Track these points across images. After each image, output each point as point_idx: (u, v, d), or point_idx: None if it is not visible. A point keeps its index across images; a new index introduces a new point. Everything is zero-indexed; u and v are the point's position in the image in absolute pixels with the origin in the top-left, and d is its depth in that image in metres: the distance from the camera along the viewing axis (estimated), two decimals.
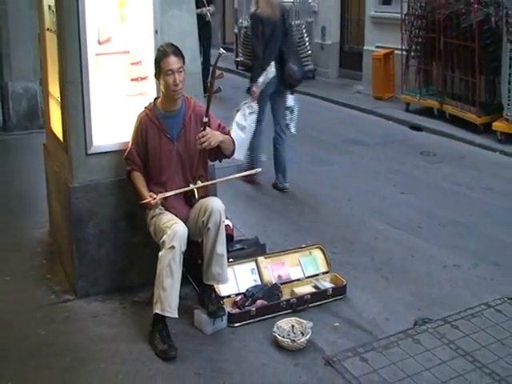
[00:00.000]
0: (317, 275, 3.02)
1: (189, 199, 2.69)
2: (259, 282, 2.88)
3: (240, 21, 9.42)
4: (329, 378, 2.34)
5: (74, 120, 2.77)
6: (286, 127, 4.38)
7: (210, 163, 2.92)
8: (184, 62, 2.63)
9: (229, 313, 2.68)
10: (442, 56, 6.06)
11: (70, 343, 2.54)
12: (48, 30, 3.10)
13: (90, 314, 2.76)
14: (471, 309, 2.79)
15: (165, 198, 2.65)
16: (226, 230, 2.70)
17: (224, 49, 2.99)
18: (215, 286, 2.69)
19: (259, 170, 2.83)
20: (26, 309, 2.81)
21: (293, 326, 2.58)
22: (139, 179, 2.71)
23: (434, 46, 6.12)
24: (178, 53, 2.61)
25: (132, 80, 2.82)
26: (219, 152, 2.77)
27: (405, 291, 3.00)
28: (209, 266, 2.61)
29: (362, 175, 4.85)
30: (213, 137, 2.66)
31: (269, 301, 2.78)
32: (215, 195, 2.87)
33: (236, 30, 9.67)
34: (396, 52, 6.99)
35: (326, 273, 3.04)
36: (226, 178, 2.95)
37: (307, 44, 8.57)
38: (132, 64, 2.81)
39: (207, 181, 2.78)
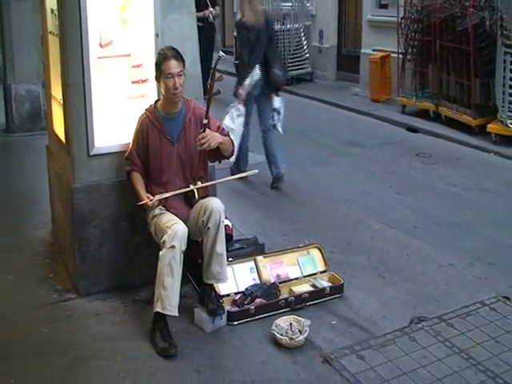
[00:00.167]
0: (315, 274, 3.04)
1: (189, 199, 2.72)
2: (258, 281, 2.90)
3: None
4: (326, 375, 2.36)
5: (76, 122, 2.80)
6: (274, 128, 4.53)
7: (210, 164, 2.95)
8: (184, 65, 2.66)
9: (228, 311, 2.70)
10: (437, 59, 6.09)
11: (71, 341, 2.56)
12: (51, 33, 3.13)
13: (92, 312, 2.78)
14: (466, 307, 2.81)
15: (165, 199, 2.67)
16: (226, 229, 2.72)
17: (223, 52, 3.03)
18: (215, 284, 2.71)
19: (256, 171, 2.87)
20: (28, 307, 2.83)
21: (291, 324, 2.60)
22: (138, 180, 2.74)
23: (430, 49, 6.16)
24: (178, 57, 2.64)
25: (133, 82, 2.85)
26: (219, 153, 2.80)
27: (401, 290, 3.02)
28: (209, 265, 2.64)
29: (359, 176, 4.89)
30: (212, 138, 2.69)
31: (267, 299, 2.80)
32: (215, 195, 2.89)
33: (235, 33, 9.69)
34: (392, 55, 7.02)
35: (324, 272, 3.06)
36: (225, 179, 3.00)
37: (305, 47, 8.63)
38: (133, 67, 2.84)
39: (207, 181, 2.80)
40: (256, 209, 4.19)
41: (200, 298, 2.76)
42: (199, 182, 2.74)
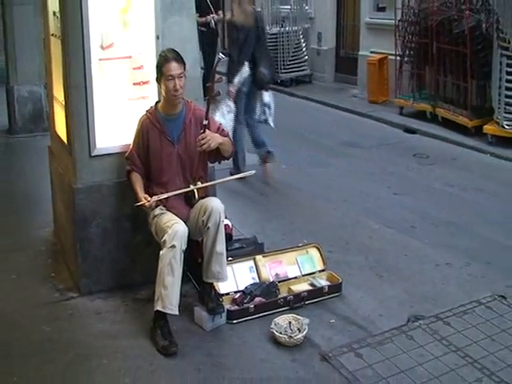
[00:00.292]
0: (313, 273, 3.05)
1: (189, 199, 2.73)
2: (257, 280, 2.91)
3: None
4: (325, 373, 2.37)
5: (77, 123, 2.82)
6: (265, 122, 4.65)
7: (210, 165, 2.97)
8: (185, 67, 2.67)
9: (228, 310, 2.71)
10: (434, 61, 6.13)
11: (73, 339, 2.58)
12: (53, 35, 3.15)
13: (93, 311, 2.80)
14: (463, 306, 2.83)
15: (165, 199, 2.69)
16: (226, 229, 2.73)
17: (223, 54, 3.06)
18: (215, 283, 2.73)
19: (253, 172, 2.90)
20: (30, 306, 2.84)
21: (290, 322, 2.61)
22: (137, 180, 2.75)
23: (427, 51, 6.19)
24: (179, 59, 2.65)
25: (134, 84, 2.87)
26: (218, 154, 2.82)
27: (398, 289, 3.04)
28: (208, 264, 2.65)
29: (357, 177, 4.91)
30: (212, 139, 2.71)
31: (267, 298, 2.81)
32: (215, 196, 2.90)
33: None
34: (390, 57, 7.06)
35: (323, 271, 3.08)
36: (224, 179, 3.02)
37: (304, 49, 8.67)
38: (134, 69, 2.85)
39: (207, 182, 2.82)
40: (255, 209, 4.20)
41: (200, 296, 2.77)
42: (199, 183, 2.76)
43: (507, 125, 5.37)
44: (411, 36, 6.50)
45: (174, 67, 2.63)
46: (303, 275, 3.03)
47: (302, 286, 2.96)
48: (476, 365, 2.41)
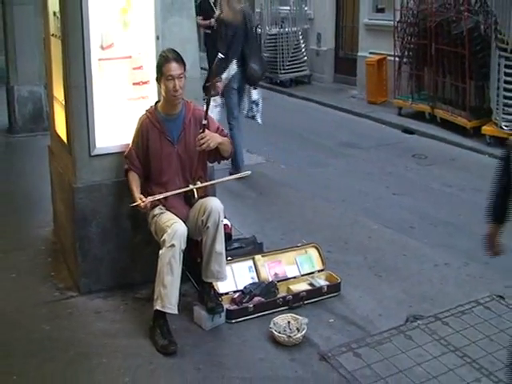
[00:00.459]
0: (312, 273, 3.06)
1: (188, 199, 2.74)
2: (256, 280, 2.92)
3: None
4: (323, 373, 2.38)
5: (77, 123, 2.83)
6: (253, 118, 4.71)
7: (210, 165, 2.98)
8: (185, 68, 2.68)
9: (227, 309, 2.72)
10: (433, 62, 6.15)
11: (73, 338, 2.58)
12: (53, 35, 3.16)
13: (93, 310, 2.80)
14: (461, 306, 2.84)
15: (165, 198, 2.70)
16: (225, 229, 2.75)
17: (222, 54, 3.07)
18: (214, 283, 2.73)
19: (249, 172, 2.92)
20: (30, 305, 2.85)
21: (289, 322, 2.62)
22: (134, 180, 2.75)
23: (426, 52, 6.20)
24: (179, 59, 2.66)
25: (134, 84, 2.88)
26: (218, 154, 2.83)
27: (397, 289, 3.05)
28: (208, 263, 2.66)
29: (356, 177, 4.92)
30: (212, 139, 2.72)
31: (266, 298, 2.82)
32: (214, 195, 2.91)
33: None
34: (389, 58, 7.06)
35: (321, 271, 3.08)
36: (224, 179, 3.03)
37: (303, 50, 8.68)
38: (134, 69, 2.86)
39: (206, 182, 2.83)
40: (255, 209, 4.21)
41: (199, 296, 2.78)
42: (198, 182, 2.77)
43: (505, 125, 5.38)
44: (410, 37, 6.52)
45: (174, 67, 2.64)
46: (302, 275, 3.04)
47: (301, 286, 2.97)
48: (474, 365, 2.43)
